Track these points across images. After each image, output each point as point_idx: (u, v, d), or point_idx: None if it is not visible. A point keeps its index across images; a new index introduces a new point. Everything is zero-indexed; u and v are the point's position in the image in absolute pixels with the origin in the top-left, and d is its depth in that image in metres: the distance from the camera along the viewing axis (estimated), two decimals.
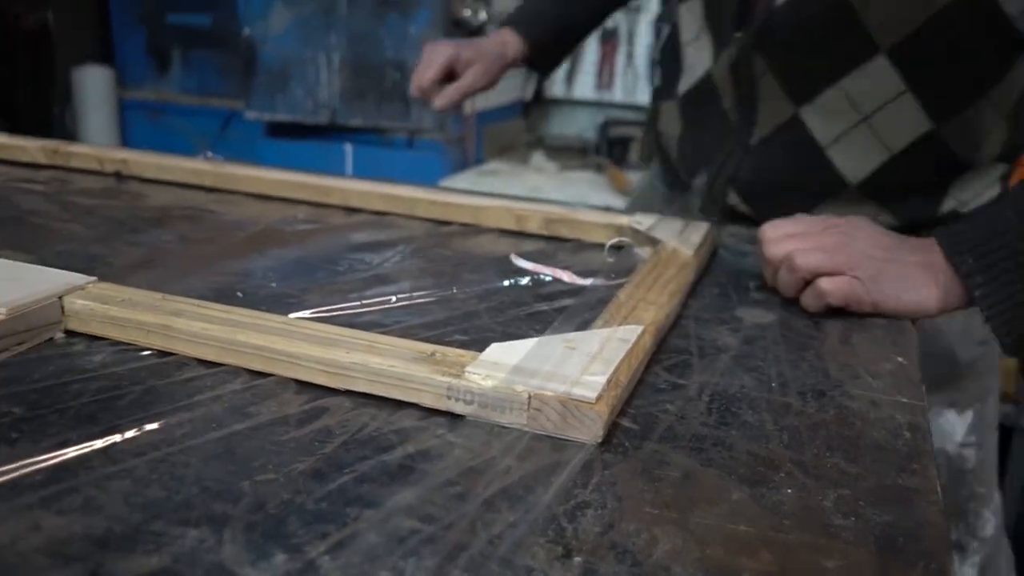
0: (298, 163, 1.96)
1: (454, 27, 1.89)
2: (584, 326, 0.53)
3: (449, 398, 0.44)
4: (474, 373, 0.44)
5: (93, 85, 2.40)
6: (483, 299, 0.63)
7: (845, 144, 0.78)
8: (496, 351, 0.46)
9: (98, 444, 0.40)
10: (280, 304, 0.59)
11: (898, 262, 0.63)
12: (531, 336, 0.56)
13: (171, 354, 0.50)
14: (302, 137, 2.05)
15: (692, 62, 0.88)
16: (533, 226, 0.80)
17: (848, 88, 0.76)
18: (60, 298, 0.52)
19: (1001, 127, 0.78)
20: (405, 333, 0.54)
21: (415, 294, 0.63)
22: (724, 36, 0.82)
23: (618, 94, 2.41)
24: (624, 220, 0.79)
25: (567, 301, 0.63)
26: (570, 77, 2.42)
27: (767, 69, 0.79)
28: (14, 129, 1.45)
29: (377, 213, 0.84)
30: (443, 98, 1.03)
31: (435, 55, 1.03)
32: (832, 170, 0.79)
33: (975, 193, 0.80)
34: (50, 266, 0.59)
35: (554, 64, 1.18)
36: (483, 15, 1.92)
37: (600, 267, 0.71)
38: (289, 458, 0.40)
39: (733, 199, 0.85)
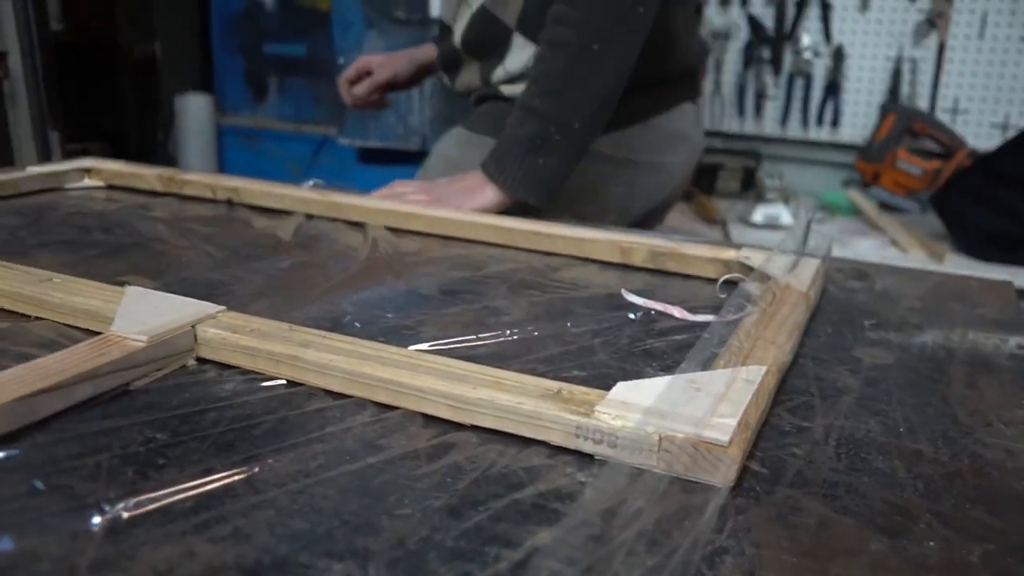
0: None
1: None
2: (704, 365, 0.52)
3: (578, 437, 0.44)
4: (604, 413, 0.44)
5: (195, 112, 2.49)
6: (596, 334, 0.63)
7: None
8: (623, 391, 0.46)
9: (240, 473, 0.41)
10: (397, 335, 0.60)
11: (460, 185, 0.96)
12: (649, 373, 0.56)
13: (299, 384, 0.51)
14: (393, 163, 2.09)
15: None
16: (638, 259, 0.80)
17: None
18: (193, 326, 0.54)
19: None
20: (524, 368, 0.54)
21: (528, 327, 0.63)
22: None
23: (705, 121, 2.39)
24: (731, 254, 0.78)
25: (679, 337, 0.63)
26: None
27: None
28: (120, 154, 1.51)
29: (482, 243, 0.85)
30: (351, 94, 1.34)
31: (354, 64, 1.29)
32: (498, 22, 1.09)
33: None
34: (175, 292, 0.62)
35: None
36: None
37: (710, 302, 0.71)
38: (424, 494, 0.40)
39: (460, 54, 1.16)
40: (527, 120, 0.93)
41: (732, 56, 2.36)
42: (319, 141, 2.32)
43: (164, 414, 0.48)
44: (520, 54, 1.09)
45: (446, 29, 1.20)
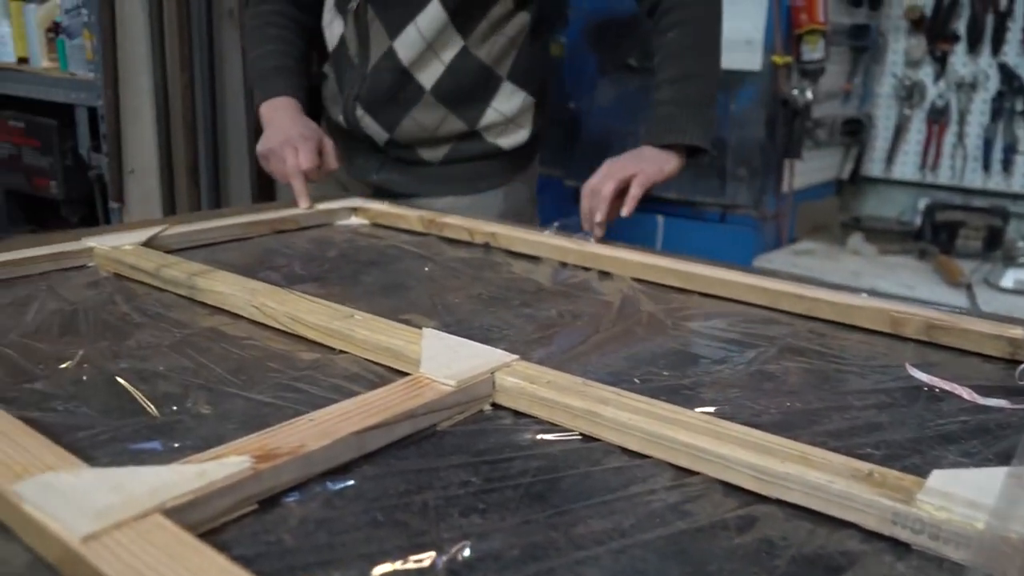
0: (608, 231, 2.03)
1: (782, 106, 1.87)
2: (1007, 455, 0.49)
3: (895, 524, 0.43)
4: (927, 503, 0.42)
5: None
6: (880, 408, 0.61)
7: (419, 64, 1.21)
8: (942, 480, 0.44)
9: (558, 527, 0.43)
10: (677, 395, 0.61)
11: (647, 158, 1.13)
12: (948, 459, 0.53)
13: (595, 439, 0.53)
14: None
15: (329, 39, 1.29)
16: (910, 331, 0.77)
17: (419, 23, 1.18)
18: (493, 373, 0.57)
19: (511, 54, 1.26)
20: (813, 440, 0.53)
21: (808, 396, 0.62)
22: (344, 8, 1.23)
23: (944, 175, 2.26)
24: (1018, 332, 0.73)
25: (969, 419, 0.59)
26: (890, 156, 2.30)
27: (374, 18, 1.20)
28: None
29: (738, 302, 0.85)
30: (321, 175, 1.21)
31: (301, 142, 1.16)
32: (414, 83, 1.22)
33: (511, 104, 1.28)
34: (454, 333, 0.66)
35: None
36: (809, 94, 1.89)
37: (997, 382, 0.66)
38: (742, 567, 0.41)
39: (361, 114, 1.26)
40: (690, 84, 1.13)
41: (978, 107, 2.21)
42: (543, 182, 2.38)
43: (473, 458, 0.51)
44: (509, 101, 1.28)
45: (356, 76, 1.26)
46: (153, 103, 1.95)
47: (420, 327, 0.69)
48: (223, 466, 0.44)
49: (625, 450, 0.52)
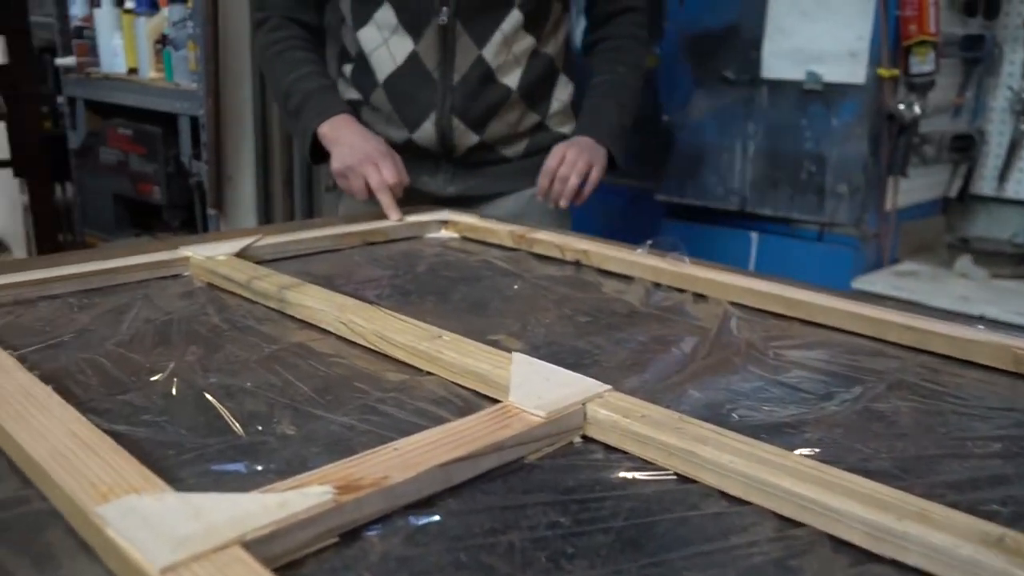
0: (699, 247, 1.98)
1: (887, 121, 1.79)
2: None
3: None
4: None
5: None
6: (1005, 459, 0.56)
7: (504, 68, 1.29)
8: None
9: None
10: (779, 434, 0.57)
11: (591, 148, 1.28)
12: None
13: (692, 480, 0.50)
14: (705, 221, 2.06)
15: (382, 61, 1.29)
16: None
17: (503, 30, 1.26)
18: (584, 404, 0.55)
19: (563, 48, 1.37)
20: (930, 493, 0.49)
21: (922, 441, 0.57)
22: (419, 25, 1.25)
23: None
24: None
25: None
26: (1003, 173, 2.18)
27: (463, 31, 1.24)
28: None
29: (843, 331, 0.80)
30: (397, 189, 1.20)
31: (381, 158, 1.19)
32: (501, 85, 1.29)
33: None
34: (543, 357, 0.63)
35: None
36: (917, 109, 1.80)
37: None
38: None
39: (456, 124, 1.29)
40: (623, 114, 1.35)
41: None
42: (634, 195, 2.34)
43: (562, 496, 0.48)
44: (564, 90, 1.38)
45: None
46: (253, 113, 1.99)
47: (509, 349, 0.68)
48: (305, 497, 0.42)
49: (724, 494, 0.49)
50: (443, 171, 1.35)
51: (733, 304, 0.86)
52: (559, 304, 0.86)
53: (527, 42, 1.29)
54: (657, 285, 0.93)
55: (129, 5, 2.36)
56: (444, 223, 1.19)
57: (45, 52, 3.09)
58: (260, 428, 0.56)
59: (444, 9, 1.24)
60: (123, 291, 0.87)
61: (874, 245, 1.92)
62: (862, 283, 1.81)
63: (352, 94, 1.33)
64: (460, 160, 1.34)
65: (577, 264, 1.02)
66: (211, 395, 0.61)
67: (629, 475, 0.51)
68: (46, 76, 3.14)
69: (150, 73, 2.30)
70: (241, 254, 0.96)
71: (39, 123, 2.95)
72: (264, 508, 0.41)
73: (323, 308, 0.77)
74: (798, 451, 0.53)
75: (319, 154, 1.27)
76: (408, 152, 1.32)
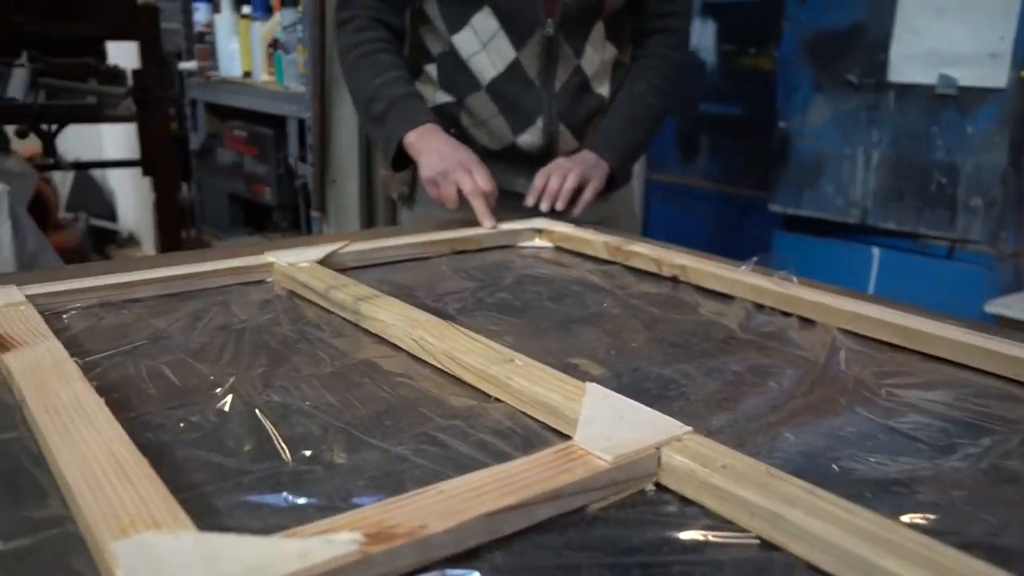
0: (815, 263, 1.86)
1: None
2: None
3: None
4: None
5: None
6: None
7: (600, 78, 1.30)
8: None
9: None
10: (886, 492, 0.50)
11: (593, 164, 1.24)
12: None
13: (777, 548, 0.43)
14: (822, 235, 1.94)
15: (483, 66, 1.25)
16: None
17: (592, 41, 1.27)
18: (658, 448, 0.49)
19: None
20: None
21: None
22: (523, 34, 1.23)
23: None
24: None
25: None
26: None
27: (563, 41, 1.23)
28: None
29: (969, 368, 0.71)
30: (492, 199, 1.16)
31: (474, 165, 1.15)
32: (596, 94, 1.30)
33: None
34: (626, 385, 0.58)
35: None
36: None
37: None
38: None
39: (563, 129, 1.28)
40: (635, 130, 1.29)
41: None
42: (745, 204, 2.24)
43: (626, 556, 0.42)
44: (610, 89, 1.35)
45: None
46: (358, 117, 2.00)
47: (589, 375, 0.62)
48: (330, 545, 0.38)
49: (813, 568, 0.42)
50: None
51: (843, 332, 0.78)
52: (650, 325, 0.80)
53: (611, 52, 1.30)
54: (759, 307, 0.86)
55: (246, 10, 2.42)
56: (538, 232, 1.14)
57: (173, 57, 3.22)
58: (308, 454, 0.53)
59: (549, 21, 1.23)
60: (204, 296, 0.86)
61: (1012, 265, 1.76)
62: (997, 307, 1.66)
63: (442, 97, 1.30)
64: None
65: (674, 280, 0.95)
66: (265, 414, 0.58)
67: (704, 535, 0.44)
68: (173, 80, 3.28)
69: (262, 76, 2.34)
70: (325, 261, 0.94)
71: (167, 125, 3.07)
72: (284, 557, 0.37)
73: (396, 323, 0.73)
74: (907, 517, 0.46)
75: (401, 162, 1.25)
76: (505, 158, 1.29)
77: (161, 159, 3.03)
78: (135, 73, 2.95)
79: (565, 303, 0.87)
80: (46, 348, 0.66)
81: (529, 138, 1.28)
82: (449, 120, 1.29)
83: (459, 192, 1.15)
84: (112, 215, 4.55)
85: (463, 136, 1.29)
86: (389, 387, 0.64)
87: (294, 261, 0.92)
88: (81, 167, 3.29)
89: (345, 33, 1.27)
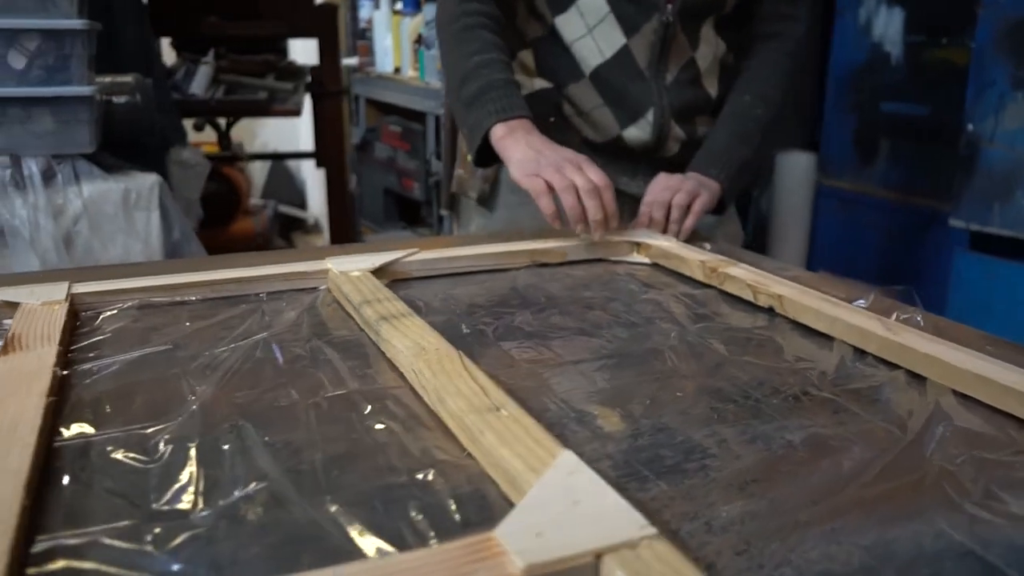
0: (1003, 290, 1.60)
1: None
2: None
3: None
4: None
5: (795, 171, 2.34)
6: None
7: (710, 74, 1.18)
8: None
9: None
10: None
11: (705, 184, 1.12)
12: None
13: None
14: (1015, 257, 1.67)
15: (588, 52, 1.14)
16: None
17: (704, 35, 1.16)
18: (598, 557, 0.38)
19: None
20: None
21: None
22: (637, 19, 1.12)
23: None
24: None
25: None
26: None
27: (679, 31, 1.13)
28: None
29: None
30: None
31: (585, 162, 0.99)
32: (706, 91, 1.19)
33: None
34: (636, 448, 0.46)
35: None
36: None
37: None
38: None
39: (673, 123, 1.17)
40: (741, 146, 1.16)
41: None
42: (926, 216, 1.98)
43: None
44: None
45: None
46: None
47: (602, 429, 0.51)
48: None
49: None
50: (643, 172, 1.18)
51: (960, 396, 0.62)
52: (712, 370, 0.67)
53: (722, 48, 1.19)
54: (862, 353, 0.70)
55: (399, 6, 2.42)
56: (636, 246, 1.02)
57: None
58: (221, 503, 0.46)
59: (669, 7, 1.10)
60: (248, 302, 0.82)
61: None
62: None
63: (540, 83, 1.19)
64: (664, 161, 1.18)
65: (771, 311, 0.81)
66: (204, 447, 0.52)
67: None
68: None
69: (409, 72, 2.33)
70: (382, 270, 0.88)
71: (341, 119, 3.16)
72: None
73: (403, 349, 0.65)
74: None
75: (484, 157, 1.11)
76: (608, 152, 1.17)
77: (334, 152, 3.13)
78: (313, 69, 3.05)
79: (631, 333, 0.76)
80: (37, 355, 0.64)
81: (637, 132, 1.16)
82: (550, 107, 1.17)
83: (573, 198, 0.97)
84: (303, 203, 4.79)
85: (564, 126, 1.19)
86: (365, 428, 0.56)
87: (350, 268, 0.86)
88: (260, 158, 3.45)
89: (448, 1, 1.14)
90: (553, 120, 1.17)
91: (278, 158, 3.65)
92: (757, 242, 2.47)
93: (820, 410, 0.60)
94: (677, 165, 1.16)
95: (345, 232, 3.07)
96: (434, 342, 0.66)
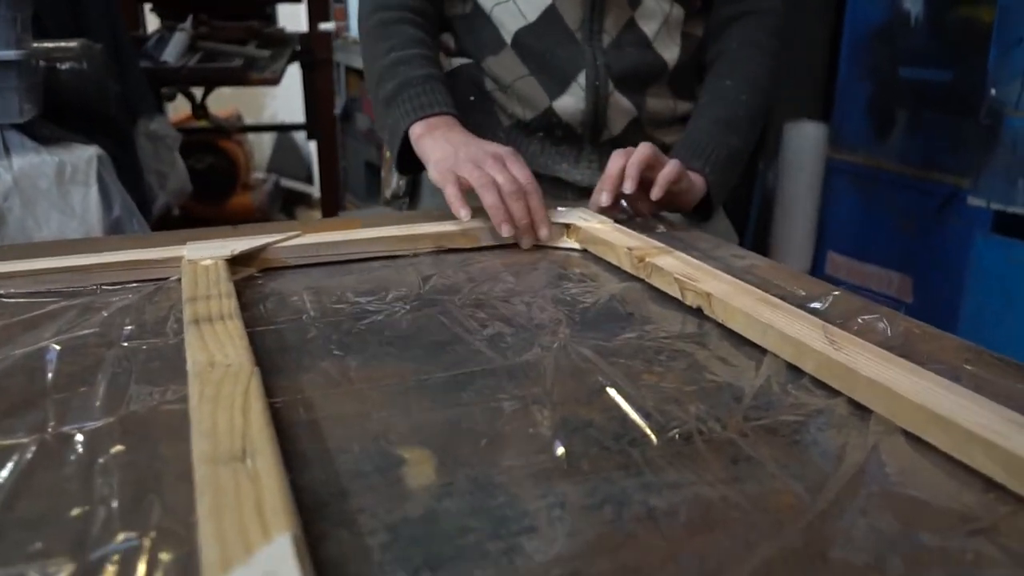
0: (1022, 277, 1.42)
1: None
2: None
3: None
4: None
5: (804, 143, 2.15)
6: None
7: (663, 38, 1.03)
8: None
9: None
10: None
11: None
12: None
13: None
14: None
15: (508, 16, 1.00)
16: None
17: None
18: None
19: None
20: None
21: None
22: None
23: None
24: None
25: None
26: None
27: None
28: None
29: None
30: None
31: (509, 156, 0.86)
32: (657, 55, 1.03)
33: None
34: (436, 513, 0.32)
35: None
36: None
37: None
38: None
39: (612, 89, 1.01)
40: (729, 136, 1.00)
41: None
42: (946, 194, 1.79)
43: None
44: None
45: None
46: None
47: (407, 476, 0.37)
48: None
49: None
50: (586, 157, 1.03)
51: (911, 437, 0.46)
52: (590, 397, 0.52)
53: (677, 12, 1.03)
54: (799, 372, 0.55)
55: None
56: (567, 227, 0.87)
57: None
58: None
59: None
60: (80, 296, 0.69)
61: None
62: None
63: (458, 61, 1.05)
64: (610, 143, 1.02)
65: (699, 312, 0.66)
66: None
67: None
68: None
69: None
70: (238, 258, 0.74)
71: (331, 89, 3.02)
72: None
73: (192, 364, 0.51)
74: None
75: (407, 163, 0.97)
76: (543, 131, 1.02)
77: (325, 123, 2.99)
78: (302, 36, 2.91)
79: (509, 341, 0.61)
80: None
81: (571, 100, 1.01)
82: (469, 85, 1.03)
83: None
84: (309, 177, 4.67)
85: (487, 104, 1.04)
86: (82, 479, 0.42)
87: (201, 256, 0.72)
88: (248, 130, 3.33)
89: None
90: (473, 99, 1.03)
91: (263, 130, 3.52)
92: (762, 222, 2.29)
93: (714, 458, 0.44)
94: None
95: (335, 208, 2.95)
96: (232, 355, 0.51)
